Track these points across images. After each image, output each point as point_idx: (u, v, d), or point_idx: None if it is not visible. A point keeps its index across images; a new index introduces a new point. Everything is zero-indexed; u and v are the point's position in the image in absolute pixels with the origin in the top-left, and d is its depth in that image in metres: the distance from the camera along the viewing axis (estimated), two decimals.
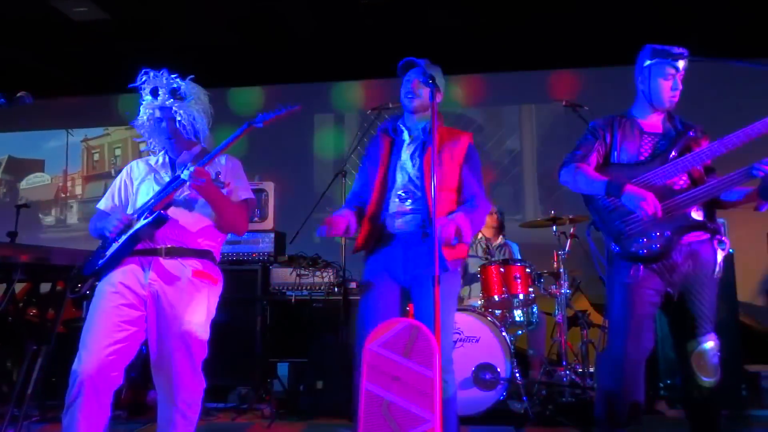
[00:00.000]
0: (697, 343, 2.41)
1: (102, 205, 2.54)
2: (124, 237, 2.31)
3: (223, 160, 2.51)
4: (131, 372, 3.92)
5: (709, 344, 2.41)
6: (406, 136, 2.55)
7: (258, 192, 4.49)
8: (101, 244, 2.43)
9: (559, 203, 5.43)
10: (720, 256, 2.44)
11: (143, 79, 2.45)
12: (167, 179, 2.42)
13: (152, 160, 2.55)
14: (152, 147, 2.57)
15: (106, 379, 2.17)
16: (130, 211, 2.44)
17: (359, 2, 5.34)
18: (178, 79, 2.46)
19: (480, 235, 4.79)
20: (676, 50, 2.45)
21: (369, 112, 4.35)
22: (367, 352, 1.86)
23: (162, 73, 2.45)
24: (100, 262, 2.33)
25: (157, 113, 2.42)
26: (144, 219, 2.28)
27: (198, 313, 2.32)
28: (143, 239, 2.32)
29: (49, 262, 3.32)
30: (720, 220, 4.21)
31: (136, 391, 3.99)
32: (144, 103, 2.46)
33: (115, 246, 2.32)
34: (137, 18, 5.67)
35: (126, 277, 2.30)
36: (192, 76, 2.51)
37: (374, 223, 2.48)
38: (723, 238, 2.46)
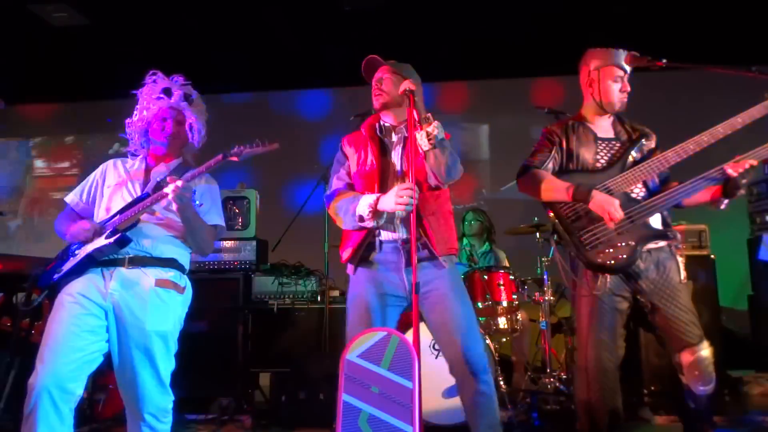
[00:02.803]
0: (692, 353, 2.40)
1: (69, 198, 2.49)
2: (81, 253, 2.25)
3: (202, 180, 2.46)
4: (109, 384, 3.86)
5: (704, 353, 2.40)
6: (394, 137, 2.48)
7: (240, 199, 4.45)
8: (60, 254, 2.36)
9: (543, 210, 5.43)
10: (681, 261, 2.45)
11: (153, 78, 2.44)
12: (139, 192, 2.37)
13: (129, 163, 2.50)
14: (134, 149, 2.52)
15: (64, 390, 2.10)
16: (98, 212, 2.38)
17: (342, 9, 5.34)
18: (190, 86, 2.46)
19: (465, 242, 4.78)
20: (621, 51, 2.48)
21: (352, 119, 4.32)
22: (346, 363, 1.82)
23: (175, 78, 2.46)
24: (56, 276, 2.27)
25: (165, 112, 2.40)
26: (106, 238, 2.23)
27: (162, 323, 2.26)
28: (105, 253, 2.25)
29: (25, 271, 3.27)
30: (701, 227, 4.28)
31: (114, 404, 3.91)
32: (149, 99, 2.42)
33: (72, 261, 2.26)
34: (118, 23, 5.61)
35: (86, 287, 2.23)
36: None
37: (369, 232, 2.37)
38: (679, 244, 2.48)
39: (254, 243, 4.38)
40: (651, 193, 2.47)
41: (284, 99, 6.85)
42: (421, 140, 2.26)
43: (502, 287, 3.97)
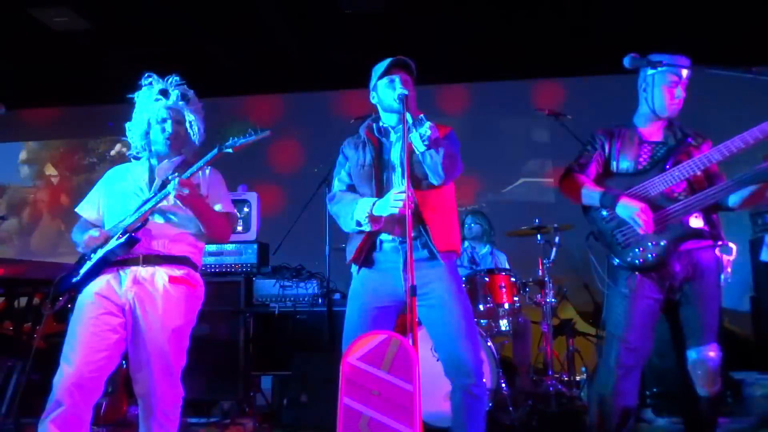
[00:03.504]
0: (698, 353, 2.40)
1: (81, 210, 2.54)
2: (96, 256, 2.32)
3: (207, 172, 2.51)
4: (111, 387, 3.85)
5: (711, 354, 2.40)
6: (393, 137, 2.48)
7: (241, 202, 4.45)
8: (78, 259, 2.42)
9: (545, 212, 5.42)
10: (724, 261, 2.45)
11: (149, 80, 2.48)
12: (146, 193, 2.42)
13: (132, 167, 2.54)
14: (136, 152, 2.56)
15: (87, 391, 2.18)
16: (108, 219, 2.43)
17: (343, 12, 5.34)
18: (185, 86, 2.50)
19: (466, 244, 4.77)
20: (680, 60, 2.46)
21: (352, 122, 4.31)
22: (346, 366, 1.82)
23: (171, 78, 2.49)
24: (74, 279, 2.34)
25: (164, 113, 2.44)
26: (116, 240, 2.29)
27: (175, 319, 2.32)
28: (117, 254, 2.30)
29: (25, 275, 3.28)
30: None
31: (116, 407, 3.90)
32: (147, 102, 2.46)
33: (88, 264, 2.33)
34: (119, 27, 5.62)
35: (103, 287, 2.31)
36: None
37: (372, 232, 2.38)
38: (727, 244, 2.45)
39: (255, 246, 4.37)
40: (694, 192, 2.44)
41: (285, 101, 6.85)
42: (416, 142, 2.28)
43: (503, 289, 3.97)
